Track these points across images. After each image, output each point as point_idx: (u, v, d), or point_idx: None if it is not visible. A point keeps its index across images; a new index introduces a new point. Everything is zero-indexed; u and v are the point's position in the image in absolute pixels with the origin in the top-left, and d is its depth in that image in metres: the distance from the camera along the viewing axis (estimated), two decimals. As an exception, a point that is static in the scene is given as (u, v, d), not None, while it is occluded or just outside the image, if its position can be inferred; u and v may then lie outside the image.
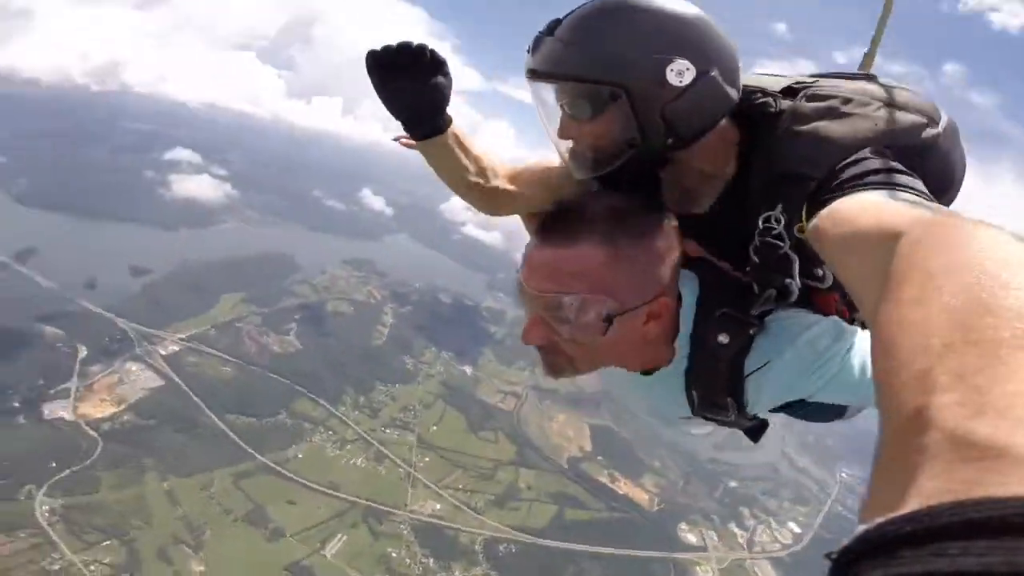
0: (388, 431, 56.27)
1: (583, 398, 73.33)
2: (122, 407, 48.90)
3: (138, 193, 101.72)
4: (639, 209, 1.21)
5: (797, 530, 59.69)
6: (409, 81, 1.40)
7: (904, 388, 0.40)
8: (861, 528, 0.31)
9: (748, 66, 1.40)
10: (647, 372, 1.39)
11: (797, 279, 1.24)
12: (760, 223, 1.25)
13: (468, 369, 71.54)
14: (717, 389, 1.28)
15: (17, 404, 46.08)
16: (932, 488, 0.31)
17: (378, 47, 1.37)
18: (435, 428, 58.27)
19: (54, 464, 42.27)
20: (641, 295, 1.16)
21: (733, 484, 64.94)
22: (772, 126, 1.28)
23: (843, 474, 74.44)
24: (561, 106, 1.35)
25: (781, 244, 1.22)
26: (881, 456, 0.38)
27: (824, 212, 1.03)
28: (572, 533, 50.28)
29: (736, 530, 57.73)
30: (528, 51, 1.33)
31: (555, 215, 1.20)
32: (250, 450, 48.89)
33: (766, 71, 1.53)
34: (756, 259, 1.27)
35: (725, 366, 1.25)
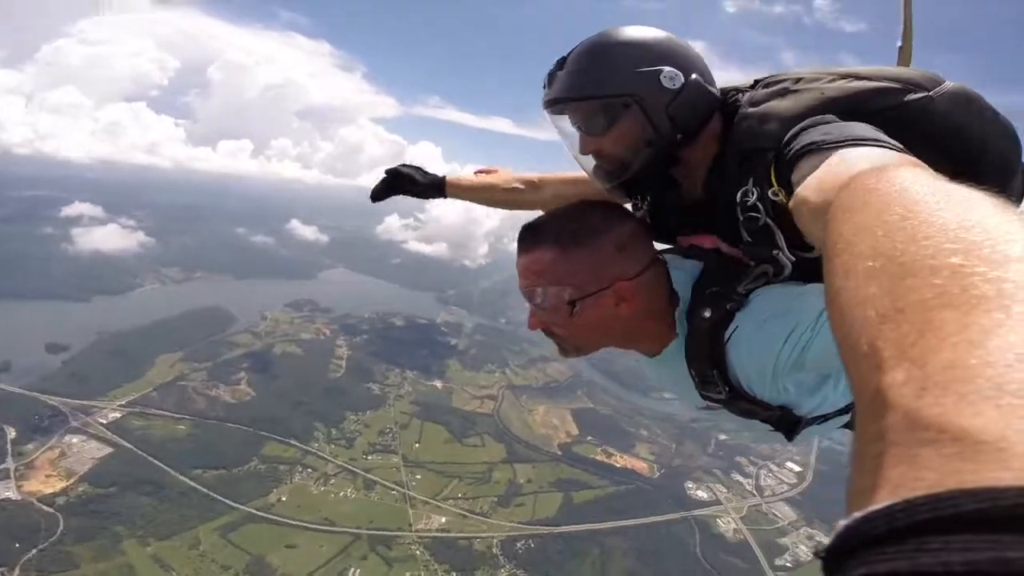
0: (370, 457, 53.70)
1: (558, 386, 74.58)
2: (72, 480, 43.71)
3: (40, 260, 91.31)
4: (588, 217, 1.42)
5: (797, 469, 60.88)
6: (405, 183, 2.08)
7: (859, 367, 0.40)
8: (842, 524, 0.30)
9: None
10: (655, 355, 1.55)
11: (785, 250, 1.31)
12: (739, 198, 1.33)
13: (437, 383, 70.10)
14: (703, 361, 1.36)
15: (-49, 492, 40.19)
16: (898, 476, 0.30)
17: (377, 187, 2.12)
18: (418, 445, 56.32)
19: (17, 545, 37.68)
20: (596, 282, 1.36)
21: (723, 437, 65.91)
22: (736, 115, 1.42)
23: (818, 406, 76.96)
24: (578, 127, 1.53)
25: (758, 215, 1.31)
26: (855, 440, 0.38)
27: (795, 193, 1.00)
28: (585, 514, 49.57)
29: (741, 479, 58.47)
30: (544, 87, 1.53)
31: (524, 230, 1.45)
32: (228, 501, 44.84)
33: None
34: (746, 236, 1.35)
35: (706, 337, 1.34)
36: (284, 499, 46.53)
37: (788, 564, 46.18)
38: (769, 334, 1.24)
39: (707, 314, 1.34)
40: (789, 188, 1.11)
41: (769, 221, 1.30)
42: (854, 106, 1.23)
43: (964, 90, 1.26)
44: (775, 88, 1.37)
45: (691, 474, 57.92)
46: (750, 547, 47.65)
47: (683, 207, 1.59)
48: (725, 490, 55.75)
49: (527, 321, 1.46)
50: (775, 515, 52.52)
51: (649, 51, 1.44)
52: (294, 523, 44.20)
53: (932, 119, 1.23)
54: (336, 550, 42.02)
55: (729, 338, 1.31)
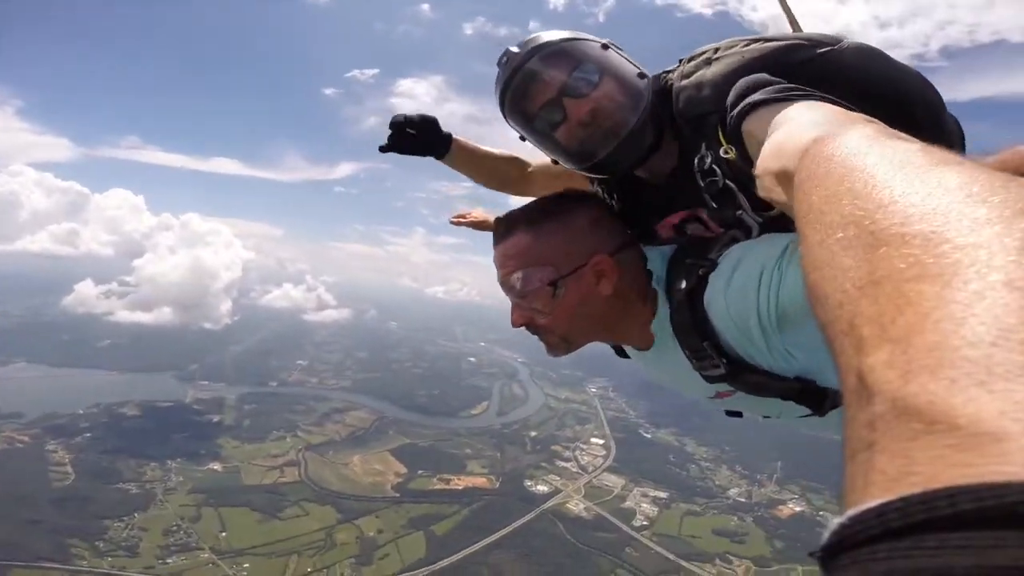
0: (171, 560, 40.41)
1: (365, 433, 68.99)
2: None
3: None
4: (558, 200, 1.44)
5: (600, 442, 68.05)
6: (409, 134, 1.88)
7: (841, 346, 0.38)
8: (836, 522, 0.29)
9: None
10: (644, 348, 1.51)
11: (749, 211, 1.35)
12: (696, 164, 1.39)
13: (216, 466, 56.24)
14: (690, 334, 1.32)
15: None
16: (894, 470, 0.28)
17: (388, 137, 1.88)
18: (224, 534, 44.31)
19: None
20: (571, 260, 1.36)
21: (533, 434, 69.67)
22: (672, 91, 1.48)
23: (593, 389, 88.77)
24: (562, 94, 1.43)
25: (716, 177, 1.35)
26: (845, 426, 0.35)
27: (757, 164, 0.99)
28: (455, 542, 45.94)
29: (564, 464, 61.74)
30: (501, 63, 1.49)
31: (497, 222, 1.46)
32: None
33: None
34: (710, 201, 1.40)
35: (685, 307, 1.31)
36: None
37: (645, 523, 49.88)
38: (739, 283, 1.19)
39: (683, 284, 1.32)
40: (739, 146, 1.18)
41: (728, 183, 1.33)
42: (774, 62, 1.28)
43: (866, 44, 1.33)
44: (700, 59, 1.43)
45: (524, 473, 58.74)
46: (606, 519, 50.04)
47: (652, 191, 1.56)
48: (558, 478, 57.87)
49: (510, 319, 1.42)
50: (607, 485, 56.61)
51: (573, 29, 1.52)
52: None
53: (848, 69, 1.28)
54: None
55: (707, 302, 1.28)
